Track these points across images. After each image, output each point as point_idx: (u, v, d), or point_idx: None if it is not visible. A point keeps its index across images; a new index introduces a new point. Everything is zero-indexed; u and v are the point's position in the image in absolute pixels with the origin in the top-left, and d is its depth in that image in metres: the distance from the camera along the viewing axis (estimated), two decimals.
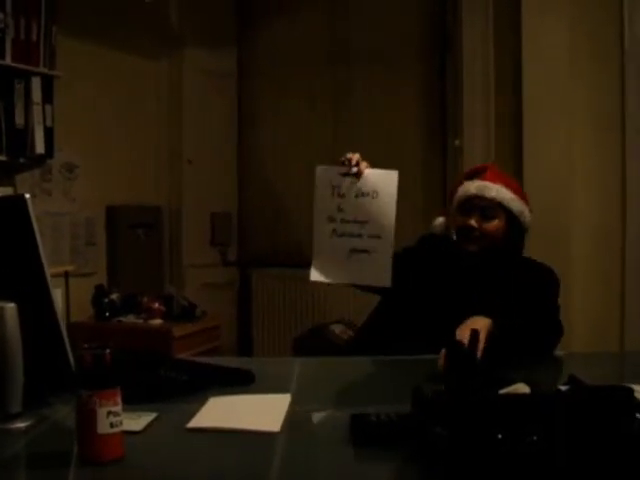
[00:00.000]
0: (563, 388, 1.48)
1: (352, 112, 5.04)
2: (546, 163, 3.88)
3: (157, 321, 4.05)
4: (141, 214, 4.71)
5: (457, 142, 4.29)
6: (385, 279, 2.20)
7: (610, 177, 3.89)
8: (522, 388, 1.35)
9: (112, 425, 1.27)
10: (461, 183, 2.46)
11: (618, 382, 1.49)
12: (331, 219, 2.24)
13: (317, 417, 1.59)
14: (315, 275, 2.26)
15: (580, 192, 3.88)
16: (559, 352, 2.34)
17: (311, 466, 1.31)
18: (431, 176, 4.72)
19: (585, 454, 1.12)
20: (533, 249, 3.74)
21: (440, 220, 2.55)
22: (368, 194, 2.22)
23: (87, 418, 1.26)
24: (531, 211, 2.45)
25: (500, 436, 1.12)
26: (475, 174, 2.45)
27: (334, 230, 2.23)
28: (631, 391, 1.24)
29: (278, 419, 1.52)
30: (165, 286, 4.76)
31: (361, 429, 1.36)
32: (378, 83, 4.94)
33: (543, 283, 2.37)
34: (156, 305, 4.08)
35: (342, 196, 2.24)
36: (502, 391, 1.34)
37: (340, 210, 2.23)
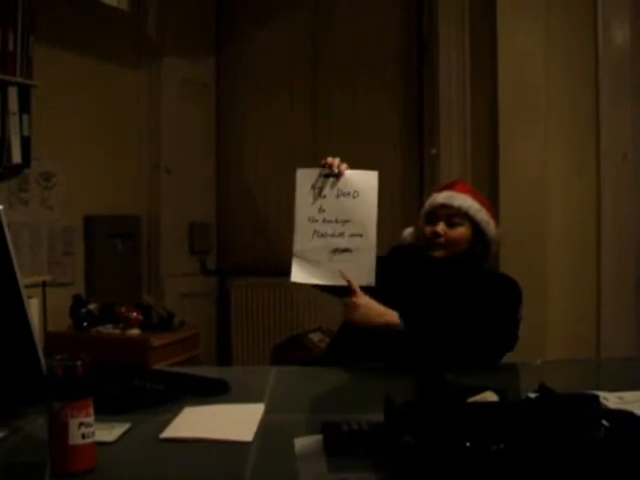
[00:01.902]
0: (532, 396, 1.50)
1: (331, 122, 5.07)
2: (522, 172, 3.91)
3: (135, 331, 4.03)
4: (119, 223, 4.70)
5: (434, 151, 4.31)
6: (369, 278, 2.21)
7: (585, 185, 3.92)
8: (490, 396, 1.37)
9: (84, 436, 1.27)
10: (429, 196, 2.51)
11: (591, 390, 1.51)
12: (312, 220, 2.25)
13: (290, 426, 1.59)
14: (296, 276, 2.25)
15: (555, 200, 3.91)
16: (535, 360, 2.35)
17: (283, 475, 1.31)
18: (408, 184, 4.75)
19: (551, 461, 1.14)
20: (508, 258, 3.80)
21: (410, 230, 2.57)
22: (349, 194, 2.25)
23: (59, 429, 1.26)
24: (497, 226, 2.48)
25: (468, 444, 1.13)
26: (445, 188, 2.52)
27: (315, 231, 2.24)
28: (597, 398, 1.26)
29: (251, 429, 1.52)
30: (143, 296, 4.75)
31: (332, 438, 1.37)
32: (356, 93, 4.98)
33: (503, 295, 2.37)
34: (134, 315, 4.06)
35: (323, 197, 2.27)
36: (470, 399, 1.36)
37: (321, 211, 2.25)
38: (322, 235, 2.25)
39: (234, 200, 5.37)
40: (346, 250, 2.23)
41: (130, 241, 4.78)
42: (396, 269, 2.46)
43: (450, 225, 2.41)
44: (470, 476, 1.13)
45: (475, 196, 2.46)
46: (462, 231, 2.41)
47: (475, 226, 2.42)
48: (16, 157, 3.71)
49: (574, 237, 3.93)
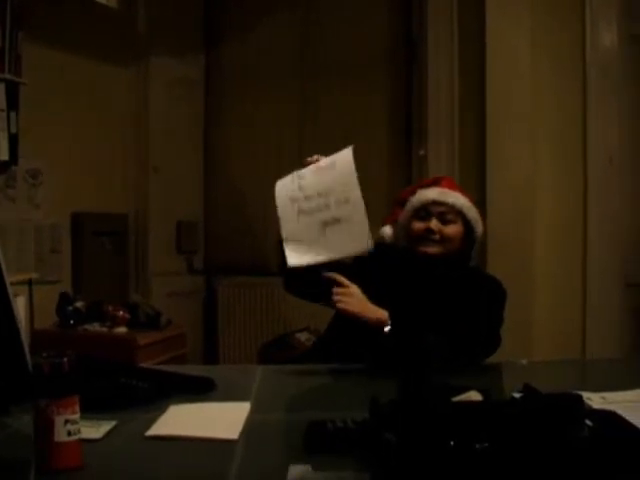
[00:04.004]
0: (517, 396, 1.51)
1: (319, 121, 5.07)
2: (509, 173, 3.92)
3: (122, 329, 4.03)
4: (107, 221, 4.69)
5: (422, 152, 4.32)
6: (365, 244, 2.13)
7: (572, 187, 3.95)
8: (474, 396, 1.37)
9: (69, 433, 1.27)
10: (414, 192, 2.47)
11: (575, 390, 1.52)
12: (293, 199, 2.22)
13: (275, 425, 1.60)
14: (293, 259, 2.19)
15: (542, 202, 3.93)
16: (521, 360, 2.37)
17: (268, 474, 1.32)
18: (396, 185, 4.75)
19: (535, 460, 1.14)
20: (496, 259, 3.81)
21: (388, 228, 2.54)
22: (326, 166, 2.23)
23: (44, 426, 1.26)
24: (482, 226, 2.48)
25: (452, 443, 1.14)
26: (432, 184, 2.48)
27: (300, 210, 2.20)
28: (580, 398, 1.27)
29: (237, 427, 1.53)
30: (130, 294, 4.74)
31: (316, 437, 1.37)
32: (345, 93, 4.98)
33: (488, 295, 2.38)
34: (121, 313, 4.06)
35: (301, 177, 2.25)
36: (455, 399, 1.36)
37: (301, 188, 2.22)
38: (308, 213, 2.20)
39: (222, 199, 5.37)
40: (336, 221, 2.16)
41: (117, 239, 4.78)
42: (382, 266, 2.44)
43: (443, 222, 2.38)
44: (454, 475, 1.13)
45: (465, 194, 2.46)
46: (456, 229, 2.40)
47: (466, 224, 2.41)
48: (3, 154, 3.70)
49: (561, 238, 3.95)
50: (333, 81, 5.00)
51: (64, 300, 4.11)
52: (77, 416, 1.29)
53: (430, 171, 4.12)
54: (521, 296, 3.83)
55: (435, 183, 2.48)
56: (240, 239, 5.28)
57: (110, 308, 4.09)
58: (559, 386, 1.83)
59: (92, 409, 1.45)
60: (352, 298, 2.16)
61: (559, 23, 3.93)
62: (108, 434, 1.48)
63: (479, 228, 2.45)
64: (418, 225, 2.40)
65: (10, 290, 1.51)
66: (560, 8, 3.94)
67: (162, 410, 1.64)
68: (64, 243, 4.38)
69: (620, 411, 1.38)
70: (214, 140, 5.41)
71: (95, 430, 1.47)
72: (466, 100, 4.10)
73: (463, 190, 2.50)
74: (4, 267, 1.49)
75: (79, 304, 4.12)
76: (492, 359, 2.31)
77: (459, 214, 2.40)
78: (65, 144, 4.31)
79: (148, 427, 1.51)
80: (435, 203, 2.39)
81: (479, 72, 3.99)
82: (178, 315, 4.62)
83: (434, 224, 2.37)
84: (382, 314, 2.16)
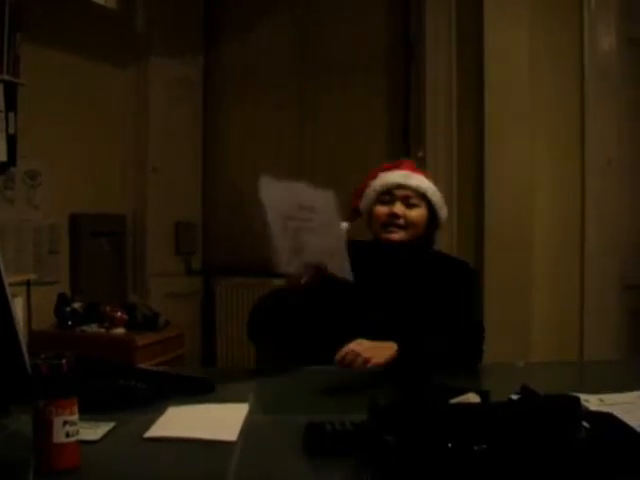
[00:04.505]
0: (515, 397, 1.51)
1: (318, 122, 5.07)
2: (508, 174, 3.93)
3: (120, 330, 4.03)
4: (105, 222, 4.69)
5: (420, 153, 4.32)
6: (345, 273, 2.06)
7: (570, 189, 3.95)
8: (473, 398, 1.38)
9: (68, 434, 1.27)
10: (375, 177, 2.38)
11: (572, 392, 1.52)
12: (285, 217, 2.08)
13: (274, 426, 1.60)
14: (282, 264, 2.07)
15: (541, 204, 3.93)
16: (519, 362, 2.37)
17: (266, 475, 1.32)
18: None
19: (533, 462, 1.15)
20: (493, 259, 3.82)
21: (344, 225, 2.39)
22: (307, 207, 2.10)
23: (43, 427, 1.27)
24: (446, 211, 2.40)
25: (450, 445, 1.14)
26: (393, 167, 2.39)
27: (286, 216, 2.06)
28: (578, 400, 1.27)
29: (235, 428, 1.53)
30: (128, 295, 4.74)
31: (315, 438, 1.38)
32: (343, 93, 4.98)
33: (468, 285, 2.34)
34: (119, 314, 4.06)
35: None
36: (453, 401, 1.37)
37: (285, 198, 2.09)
38: (294, 219, 2.06)
39: (220, 200, 5.37)
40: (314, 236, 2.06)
41: (116, 240, 4.78)
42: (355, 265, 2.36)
43: (407, 206, 2.30)
44: (452, 477, 1.13)
45: (428, 177, 2.38)
46: (421, 212, 2.32)
47: (430, 208, 2.34)
48: (2, 155, 3.70)
49: (559, 240, 3.96)
50: (332, 81, 5.00)
51: (62, 301, 4.11)
52: (76, 417, 1.29)
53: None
54: (519, 297, 3.85)
55: (397, 167, 2.39)
56: (239, 240, 5.27)
57: (108, 309, 4.09)
58: (557, 388, 1.83)
59: (90, 410, 1.45)
60: (369, 351, 1.98)
61: (558, 23, 3.93)
62: (106, 435, 1.48)
63: (443, 213, 2.37)
64: (382, 210, 2.32)
65: (9, 291, 1.51)
66: (559, 8, 3.94)
67: (160, 411, 1.64)
68: (62, 244, 4.37)
69: (617, 413, 1.38)
70: (213, 141, 5.41)
71: (93, 431, 1.47)
72: (464, 100, 4.11)
73: (426, 174, 2.44)
74: (3, 268, 1.49)
75: (77, 305, 4.12)
76: (490, 361, 2.32)
77: (423, 198, 2.32)
78: (64, 145, 4.31)
79: (146, 428, 1.52)
80: (399, 186, 2.31)
81: (477, 72, 4.00)
82: (176, 316, 4.62)
83: (398, 208, 2.29)
84: (391, 347, 2.03)
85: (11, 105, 3.73)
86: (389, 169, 2.38)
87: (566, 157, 3.96)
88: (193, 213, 5.35)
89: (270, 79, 5.19)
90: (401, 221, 2.29)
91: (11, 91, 3.73)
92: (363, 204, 2.39)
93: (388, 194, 2.32)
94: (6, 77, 3.69)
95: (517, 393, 1.54)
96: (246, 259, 5.20)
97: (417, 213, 2.31)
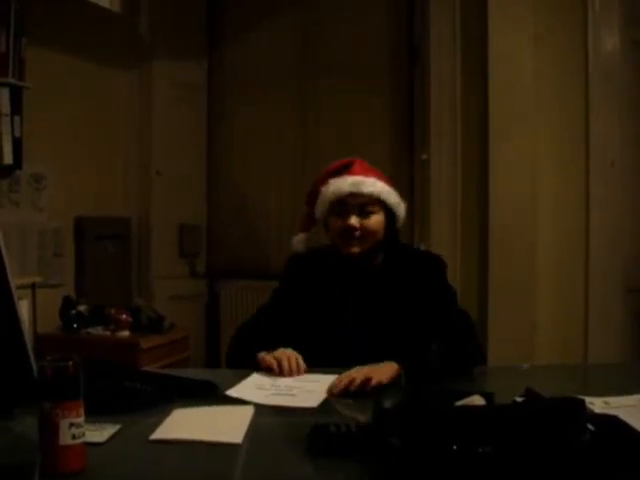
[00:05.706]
0: (519, 400, 1.51)
1: (321, 125, 5.09)
2: (512, 177, 3.92)
3: (125, 333, 4.04)
4: (109, 225, 4.70)
5: (424, 156, 4.32)
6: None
7: (574, 191, 3.94)
8: (477, 400, 1.38)
9: (74, 437, 1.28)
10: (326, 182, 2.26)
11: (577, 394, 1.52)
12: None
13: (279, 428, 1.60)
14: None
15: (545, 204, 3.93)
16: (523, 364, 2.36)
17: (271, 477, 1.32)
18: (398, 190, 4.74)
19: (537, 464, 1.15)
20: (497, 262, 3.82)
21: (301, 237, 2.38)
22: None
23: (49, 429, 1.27)
24: (404, 203, 2.31)
25: (455, 447, 1.15)
26: (342, 169, 2.26)
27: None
28: (583, 403, 1.27)
29: (241, 431, 1.53)
30: (133, 298, 4.75)
31: (320, 440, 1.38)
32: (347, 97, 4.99)
33: (436, 277, 2.28)
34: (124, 317, 4.07)
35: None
36: (458, 403, 1.37)
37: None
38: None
39: (224, 203, 5.38)
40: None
41: (120, 243, 4.78)
42: (307, 282, 2.29)
43: (363, 215, 2.20)
44: (457, 479, 1.14)
45: (380, 176, 2.27)
46: (377, 219, 2.22)
47: (387, 209, 2.24)
48: (7, 158, 3.70)
49: (563, 242, 3.95)
50: (335, 83, 5.01)
51: (67, 304, 4.12)
52: (81, 419, 1.30)
53: (432, 175, 4.11)
54: (523, 300, 3.85)
55: (346, 168, 2.26)
56: (242, 242, 5.28)
57: (113, 312, 4.10)
58: (561, 390, 1.83)
59: (96, 412, 1.46)
60: (368, 372, 1.89)
61: (561, 24, 3.93)
62: (112, 438, 1.48)
63: (401, 212, 2.28)
64: (337, 223, 2.22)
65: (15, 294, 1.51)
66: (562, 10, 3.93)
67: (166, 414, 1.64)
68: (67, 247, 4.38)
69: (622, 415, 1.39)
70: (217, 143, 5.42)
71: (99, 434, 1.47)
72: (468, 103, 4.10)
73: (378, 172, 2.30)
74: (9, 271, 1.50)
75: (82, 308, 4.13)
76: (494, 363, 2.31)
77: (378, 202, 2.21)
78: (68, 148, 4.32)
79: (152, 431, 1.52)
80: (352, 195, 2.19)
81: (482, 75, 3.99)
82: (181, 318, 4.63)
83: (354, 220, 2.19)
84: (392, 366, 1.95)
85: (17, 108, 3.75)
86: (339, 171, 2.26)
87: (570, 159, 3.95)
88: (197, 216, 5.36)
89: (273, 81, 5.20)
90: (358, 232, 2.20)
91: (17, 94, 3.74)
92: (317, 212, 2.30)
93: (340, 204, 2.22)
94: (12, 80, 3.70)
95: (522, 396, 1.54)
96: (250, 262, 5.21)
97: (374, 220, 2.22)
